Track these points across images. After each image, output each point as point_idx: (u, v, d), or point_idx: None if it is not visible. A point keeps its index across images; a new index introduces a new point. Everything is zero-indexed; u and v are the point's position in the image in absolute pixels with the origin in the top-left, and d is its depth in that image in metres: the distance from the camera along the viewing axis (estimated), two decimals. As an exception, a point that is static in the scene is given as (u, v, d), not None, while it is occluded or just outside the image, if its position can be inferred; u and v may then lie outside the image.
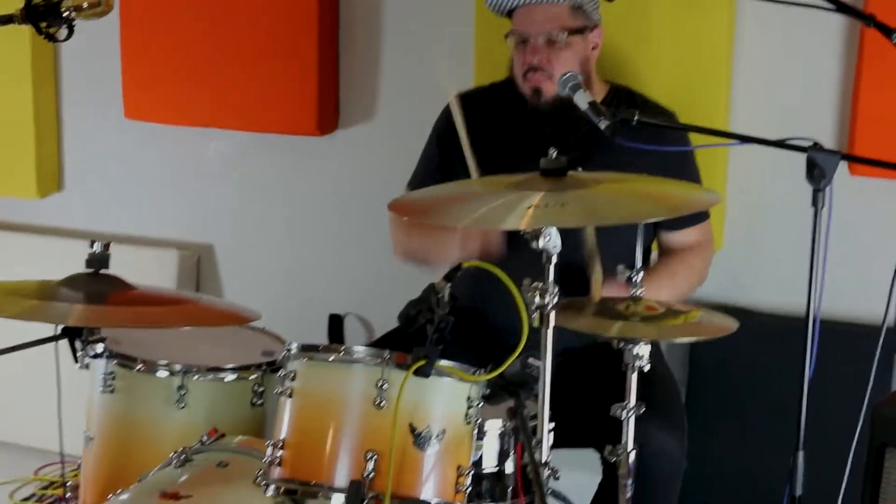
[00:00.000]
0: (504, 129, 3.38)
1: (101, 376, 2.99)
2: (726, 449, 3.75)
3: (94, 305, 2.66)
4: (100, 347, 2.94)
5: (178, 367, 2.94)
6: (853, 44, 3.54)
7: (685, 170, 3.26)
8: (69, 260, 4.51)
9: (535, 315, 2.38)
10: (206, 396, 2.97)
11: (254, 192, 4.42)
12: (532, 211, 2.30)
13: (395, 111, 4.17)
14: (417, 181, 3.54)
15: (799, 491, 2.59)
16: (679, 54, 3.64)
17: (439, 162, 3.48)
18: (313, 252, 4.35)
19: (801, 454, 2.59)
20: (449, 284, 2.38)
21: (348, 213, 4.27)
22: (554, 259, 2.35)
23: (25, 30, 4.21)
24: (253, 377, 3.01)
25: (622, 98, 3.34)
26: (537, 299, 2.37)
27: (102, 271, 2.77)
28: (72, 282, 2.72)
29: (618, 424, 2.75)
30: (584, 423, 2.97)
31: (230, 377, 3.00)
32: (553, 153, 2.43)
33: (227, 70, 4.21)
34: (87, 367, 3.03)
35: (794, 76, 3.67)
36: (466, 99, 3.48)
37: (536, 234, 2.32)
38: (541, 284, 2.36)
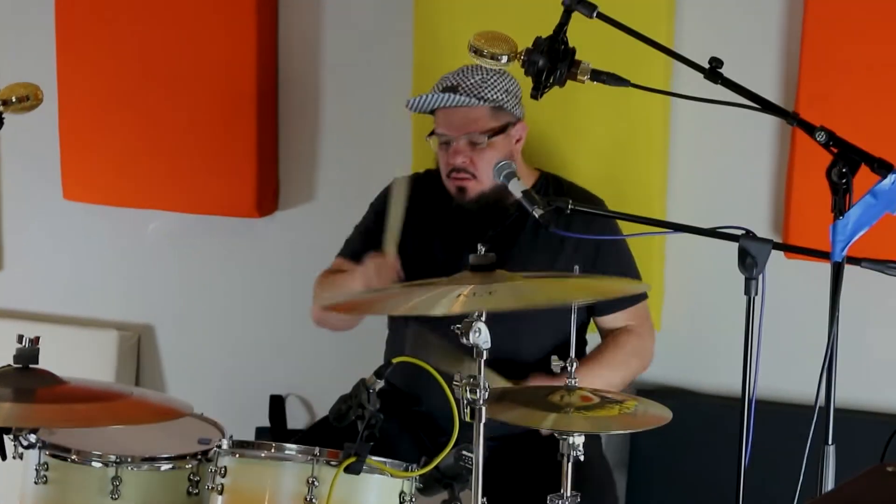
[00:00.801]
0: (431, 218, 3.40)
1: (34, 467, 2.93)
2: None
3: (23, 403, 2.61)
4: (32, 438, 2.89)
5: (112, 457, 2.89)
6: (786, 133, 3.58)
7: (619, 258, 3.29)
8: (6, 342, 4.51)
9: (467, 410, 2.38)
10: (141, 487, 2.92)
11: (194, 272, 4.40)
12: (462, 298, 2.30)
13: (335, 193, 4.18)
14: (350, 249, 3.53)
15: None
16: (615, 145, 3.67)
17: (374, 237, 3.49)
18: (254, 333, 4.33)
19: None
20: (380, 380, 2.38)
21: (288, 293, 4.24)
22: (484, 354, 2.35)
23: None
24: (188, 466, 2.97)
25: (549, 185, 3.36)
26: (468, 394, 2.36)
27: (31, 366, 2.73)
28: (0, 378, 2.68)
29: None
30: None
31: (165, 467, 2.95)
32: (482, 249, 2.43)
33: (166, 152, 4.20)
34: (20, 457, 3.00)
35: (730, 166, 3.71)
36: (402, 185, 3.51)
37: (467, 329, 2.32)
38: (472, 379, 2.36)
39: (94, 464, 2.90)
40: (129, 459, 2.90)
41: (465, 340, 2.33)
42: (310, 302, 3.85)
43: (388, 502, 2.44)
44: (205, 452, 3.02)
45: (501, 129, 3.25)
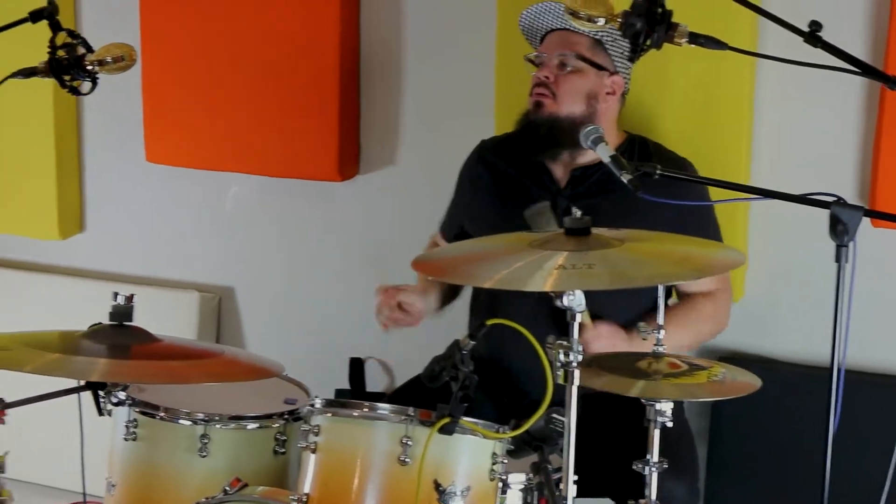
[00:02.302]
0: (514, 175, 3.42)
1: (124, 424, 2.99)
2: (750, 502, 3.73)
3: (118, 360, 2.65)
4: (122, 395, 2.93)
5: (200, 415, 2.95)
6: (874, 98, 3.55)
7: (704, 223, 3.28)
8: (90, 301, 4.56)
9: (560, 372, 2.38)
10: (229, 445, 2.96)
11: (275, 235, 4.43)
12: (558, 272, 2.30)
13: (416, 156, 4.19)
14: (443, 223, 3.64)
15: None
16: (699, 109, 3.66)
17: (459, 210, 3.54)
18: (334, 295, 4.36)
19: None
20: (473, 342, 2.39)
21: (368, 256, 4.28)
22: (578, 318, 2.35)
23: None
24: (276, 426, 3.01)
25: (636, 147, 3.36)
26: (561, 357, 2.37)
27: (126, 323, 2.77)
28: (95, 334, 2.72)
29: (635, 474, 2.75)
30: (602, 473, 2.97)
31: (252, 426, 3.00)
32: (577, 212, 2.44)
33: (249, 115, 4.22)
34: (109, 413, 3.05)
35: (815, 130, 3.68)
36: (487, 148, 3.53)
37: (560, 293, 2.32)
38: (565, 342, 2.36)
39: (181, 421, 2.94)
40: (217, 418, 2.94)
41: (558, 303, 2.34)
42: (392, 264, 3.96)
43: (479, 463, 2.45)
44: (291, 412, 3.06)
45: (594, 64, 3.28)
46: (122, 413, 2.99)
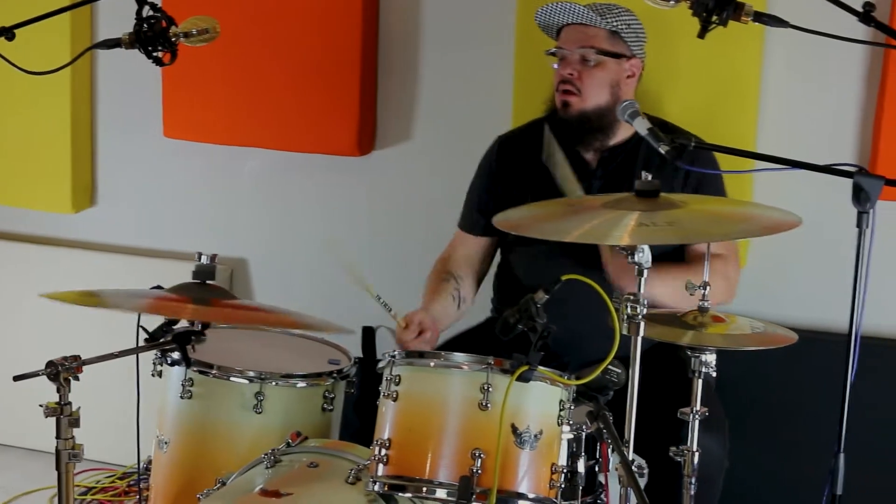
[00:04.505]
0: (538, 166, 3.53)
1: (180, 382, 3.10)
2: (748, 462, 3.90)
3: (203, 307, 2.81)
4: (177, 355, 3.05)
5: (251, 373, 3.08)
6: (876, 69, 3.73)
7: (718, 194, 3.46)
8: (101, 273, 4.63)
9: (625, 324, 2.58)
10: (281, 402, 3.11)
11: (289, 209, 4.51)
12: (638, 228, 2.51)
13: (431, 133, 4.27)
14: (467, 222, 3.74)
15: (840, 491, 2.74)
16: (707, 84, 3.83)
17: (493, 200, 3.63)
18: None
19: (841, 456, 2.74)
20: (547, 296, 2.56)
21: (381, 231, 4.39)
22: (645, 274, 2.56)
23: (65, 46, 4.36)
24: (325, 384, 3.17)
25: (657, 125, 3.52)
26: (629, 310, 2.57)
27: (208, 282, 2.91)
28: (179, 289, 2.87)
29: (668, 425, 2.96)
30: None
31: (302, 384, 3.14)
32: (647, 176, 2.64)
33: (269, 90, 4.29)
34: (160, 375, 3.17)
35: (818, 102, 3.85)
36: (507, 141, 3.69)
37: (632, 250, 2.53)
38: (634, 296, 2.56)
39: (234, 379, 3.07)
40: (270, 375, 3.08)
41: (630, 260, 2.55)
42: (405, 238, 4.21)
43: (550, 409, 2.59)
44: (339, 371, 3.21)
45: (614, 55, 3.45)
46: (178, 372, 3.11)
